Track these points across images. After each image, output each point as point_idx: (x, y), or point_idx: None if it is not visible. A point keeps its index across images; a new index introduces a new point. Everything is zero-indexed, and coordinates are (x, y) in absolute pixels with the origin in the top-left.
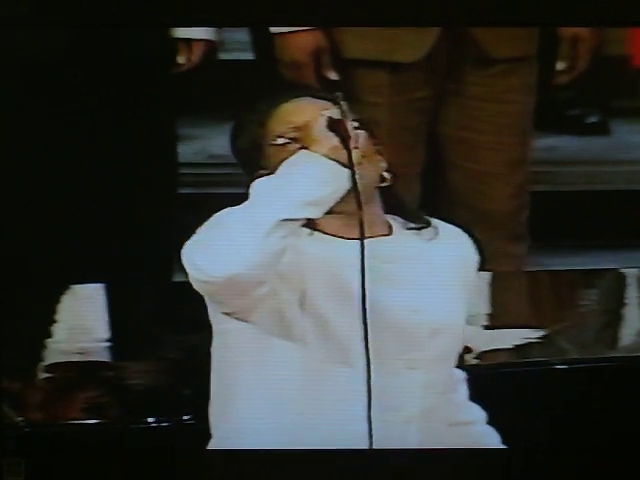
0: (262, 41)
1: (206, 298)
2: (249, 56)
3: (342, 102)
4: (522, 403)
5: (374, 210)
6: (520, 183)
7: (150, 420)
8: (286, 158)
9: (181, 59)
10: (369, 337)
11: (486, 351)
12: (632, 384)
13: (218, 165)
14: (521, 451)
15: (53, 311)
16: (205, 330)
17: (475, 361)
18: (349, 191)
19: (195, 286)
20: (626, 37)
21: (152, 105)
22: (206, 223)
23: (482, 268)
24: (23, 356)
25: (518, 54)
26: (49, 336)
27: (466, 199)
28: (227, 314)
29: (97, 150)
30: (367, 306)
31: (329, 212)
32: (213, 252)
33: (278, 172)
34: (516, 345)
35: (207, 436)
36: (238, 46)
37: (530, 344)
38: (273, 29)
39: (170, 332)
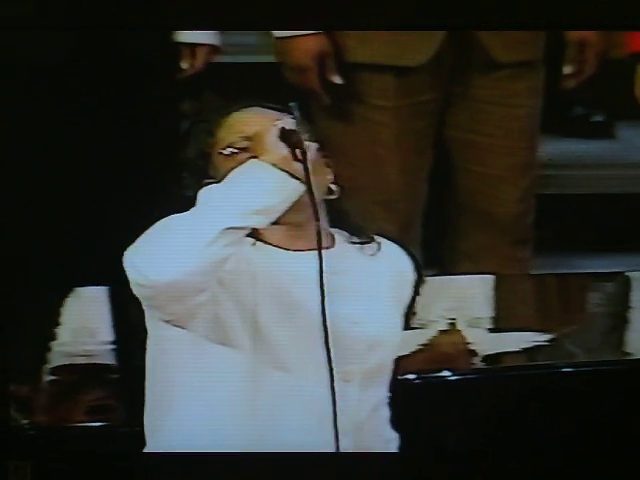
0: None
1: (143, 303)
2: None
3: (296, 112)
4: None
5: (319, 222)
6: (527, 187)
7: None
8: (234, 167)
9: (184, 64)
10: (302, 347)
11: (492, 354)
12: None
13: None
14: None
15: (57, 314)
16: None
17: (481, 364)
18: (295, 202)
19: (134, 290)
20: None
21: (154, 107)
22: (152, 226)
23: (418, 290)
24: (28, 359)
25: (524, 58)
26: (54, 339)
27: (473, 202)
28: (166, 321)
29: (99, 152)
30: (326, 317)
31: (274, 222)
32: (155, 256)
33: (226, 180)
34: (523, 348)
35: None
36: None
37: (537, 347)
38: (277, 33)
39: None
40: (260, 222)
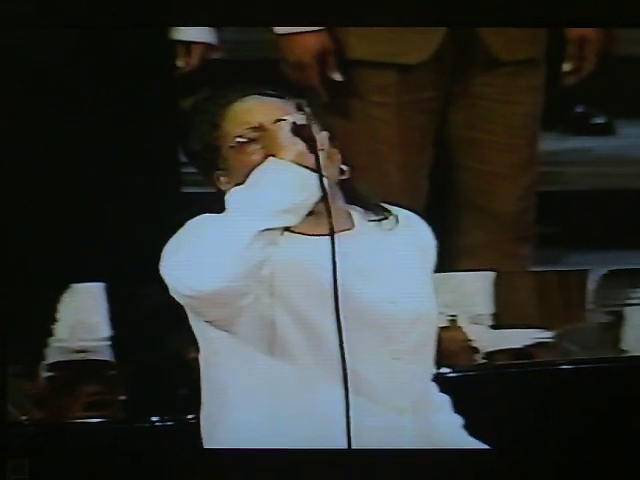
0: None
1: (186, 307)
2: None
3: (306, 108)
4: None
5: (337, 204)
6: (528, 184)
7: (154, 419)
8: (245, 159)
9: (180, 62)
10: (349, 333)
11: (492, 351)
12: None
13: None
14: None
15: (55, 310)
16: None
17: (482, 361)
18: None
19: (178, 299)
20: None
21: (153, 105)
22: (180, 233)
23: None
24: (26, 355)
25: (525, 56)
26: (51, 335)
27: (474, 200)
28: (208, 322)
29: (98, 150)
30: (339, 301)
31: None
32: (195, 266)
33: (249, 181)
34: (523, 345)
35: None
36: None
37: (537, 344)
38: (277, 29)
39: (170, 331)
40: (290, 220)
